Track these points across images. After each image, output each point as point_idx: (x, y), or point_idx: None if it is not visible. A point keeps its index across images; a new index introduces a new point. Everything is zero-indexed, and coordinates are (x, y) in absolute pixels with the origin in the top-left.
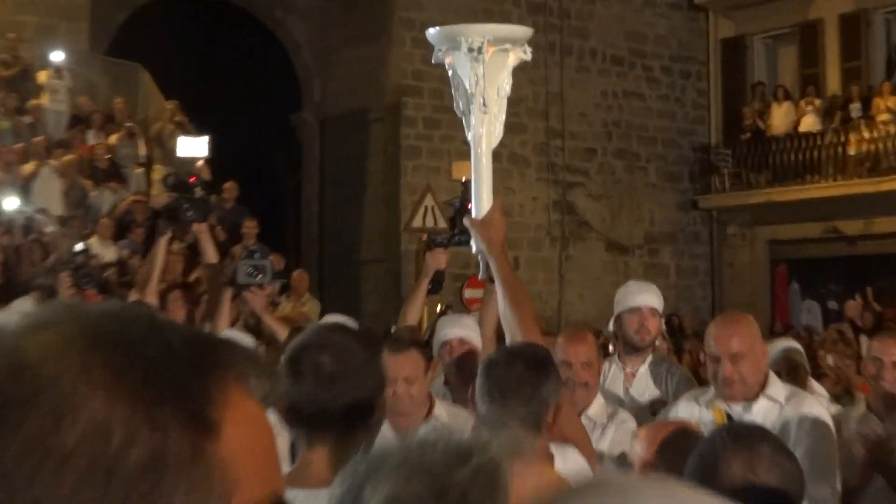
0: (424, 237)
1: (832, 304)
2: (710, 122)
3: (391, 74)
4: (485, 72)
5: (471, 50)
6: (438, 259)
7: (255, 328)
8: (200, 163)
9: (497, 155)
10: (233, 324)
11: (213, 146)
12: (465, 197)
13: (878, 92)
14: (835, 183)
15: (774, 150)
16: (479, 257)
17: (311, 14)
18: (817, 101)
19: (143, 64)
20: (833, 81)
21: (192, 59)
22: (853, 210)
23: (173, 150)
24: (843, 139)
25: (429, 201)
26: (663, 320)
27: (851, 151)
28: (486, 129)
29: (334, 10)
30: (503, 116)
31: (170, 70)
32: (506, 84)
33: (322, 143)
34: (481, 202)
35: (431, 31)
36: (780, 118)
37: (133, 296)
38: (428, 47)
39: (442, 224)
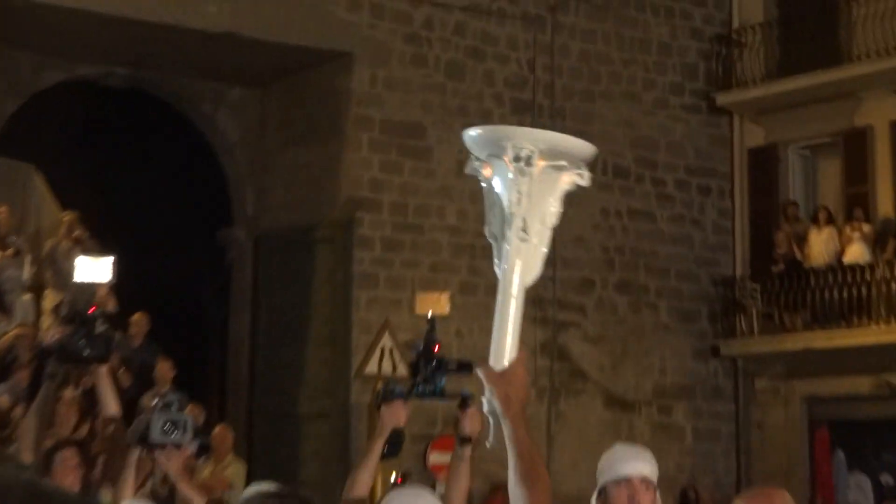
0: (379, 386)
1: (886, 479)
2: (735, 250)
3: (343, 184)
4: (531, 189)
5: (517, 159)
6: (396, 414)
7: (167, 498)
8: (103, 289)
9: (470, 286)
10: (138, 489)
11: (120, 268)
12: (431, 337)
13: None
14: (888, 327)
15: (814, 286)
16: (491, 419)
17: (245, 108)
18: (865, 227)
19: (37, 165)
20: (885, 202)
21: (97, 160)
22: None
23: (70, 273)
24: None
25: (386, 342)
26: (678, 494)
27: None
28: (522, 262)
29: (274, 104)
30: (545, 249)
31: (69, 173)
32: (553, 211)
33: (256, 266)
34: (502, 351)
35: (471, 133)
36: (820, 246)
37: (12, 455)
38: (388, 151)
39: (402, 371)
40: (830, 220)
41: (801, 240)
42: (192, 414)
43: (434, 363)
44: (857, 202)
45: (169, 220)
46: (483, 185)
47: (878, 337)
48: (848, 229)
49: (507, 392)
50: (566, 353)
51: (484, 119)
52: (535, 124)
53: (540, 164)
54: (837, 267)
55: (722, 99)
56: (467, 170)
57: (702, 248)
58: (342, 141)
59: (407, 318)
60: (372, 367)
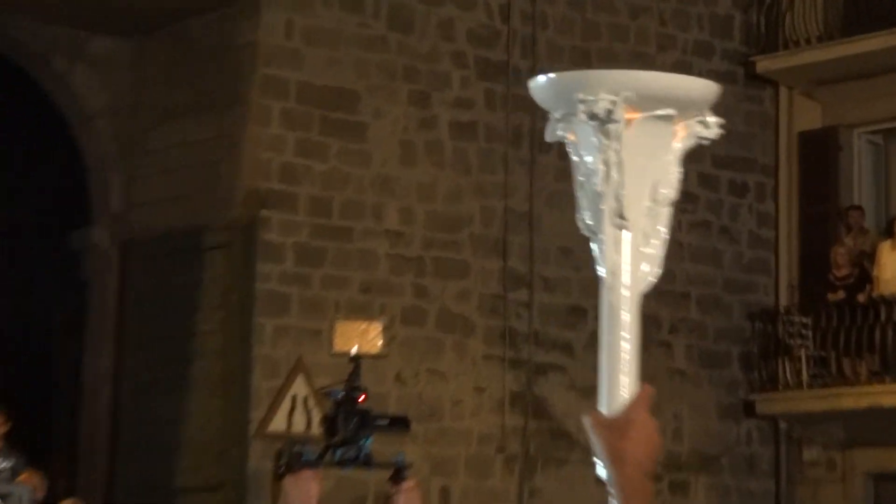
0: (284, 451)
1: None
2: (779, 271)
3: (244, 171)
4: (623, 156)
5: (593, 116)
6: (304, 489)
7: None
8: None
9: (415, 313)
10: None
11: None
12: (355, 384)
13: None
14: None
15: (885, 322)
16: (608, 486)
17: (111, 66)
18: None
19: None
20: None
21: None
22: None
23: None
24: None
25: (299, 389)
26: None
27: None
28: (626, 260)
29: (151, 60)
30: (663, 236)
31: None
32: (670, 179)
33: (122, 282)
34: (615, 389)
35: (540, 82)
36: (892, 267)
37: None
38: (308, 128)
39: (316, 428)
40: None
41: (869, 258)
42: (30, 484)
43: (358, 419)
44: None
45: (3, 218)
46: (574, 157)
47: None
48: None
49: (622, 448)
50: (545, 408)
51: (439, 83)
52: (507, 95)
53: (632, 117)
54: None
55: (765, 65)
56: (548, 136)
57: (734, 267)
58: (244, 113)
59: (328, 356)
60: (279, 424)
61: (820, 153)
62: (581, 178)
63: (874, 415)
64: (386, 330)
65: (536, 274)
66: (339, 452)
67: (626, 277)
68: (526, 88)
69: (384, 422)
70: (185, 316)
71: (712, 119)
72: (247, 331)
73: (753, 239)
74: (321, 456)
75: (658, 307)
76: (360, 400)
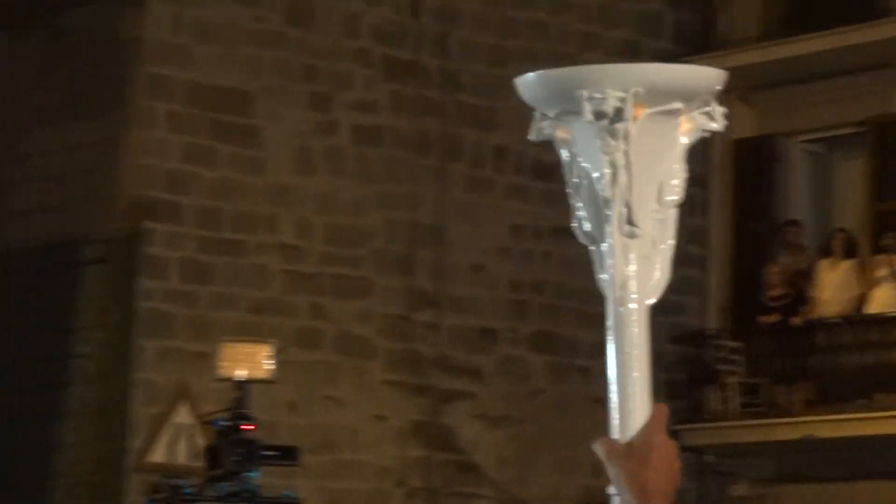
0: (162, 485)
1: None
2: (708, 292)
3: (125, 179)
4: (630, 157)
5: (600, 115)
6: None
7: None
8: None
9: (312, 335)
10: None
11: None
12: (240, 412)
13: None
14: None
15: (823, 347)
16: None
17: None
18: None
19: None
20: None
21: None
22: None
23: None
24: None
25: (184, 418)
26: None
27: None
28: (637, 268)
29: (23, 56)
30: (671, 241)
31: None
32: (675, 180)
33: None
34: (627, 412)
35: (531, 80)
36: (832, 288)
37: None
38: (196, 132)
39: (198, 460)
40: (851, 251)
41: (807, 278)
42: None
43: (243, 450)
44: (890, 224)
45: None
46: (564, 156)
47: None
48: (875, 264)
49: (640, 475)
50: (452, 439)
51: (342, 82)
52: (416, 97)
53: (639, 113)
54: (858, 320)
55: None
56: (532, 135)
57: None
58: (127, 115)
59: (214, 381)
60: (160, 455)
61: (755, 163)
62: (576, 181)
63: (809, 449)
64: (277, 353)
65: (444, 293)
66: (224, 486)
67: (634, 288)
68: (436, 90)
69: (272, 453)
70: (59, 336)
71: (718, 109)
72: (127, 353)
73: (681, 256)
74: (201, 490)
75: (577, 330)
76: (246, 429)
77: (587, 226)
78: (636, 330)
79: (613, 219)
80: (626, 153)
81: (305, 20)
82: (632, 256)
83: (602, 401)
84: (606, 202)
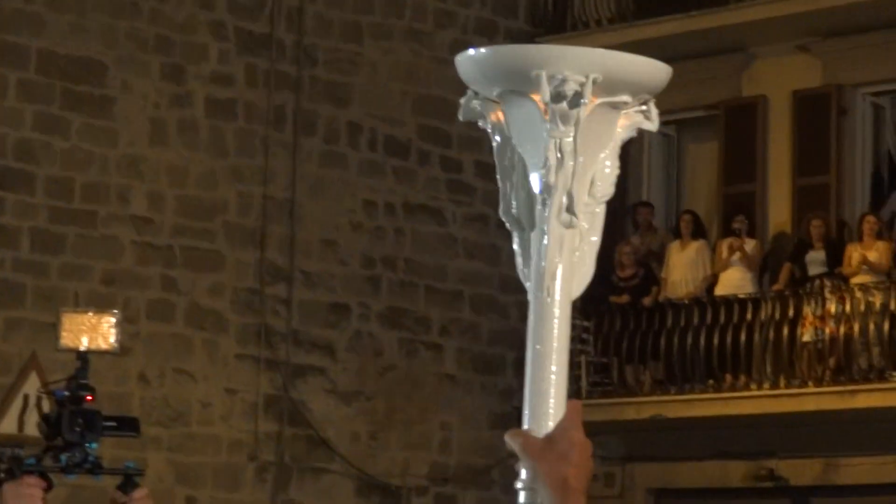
0: (3, 455)
1: None
2: None
3: None
4: (577, 146)
5: (559, 97)
6: (27, 497)
7: None
8: None
9: (164, 307)
10: None
11: None
12: (80, 383)
13: (857, 232)
14: (774, 391)
15: (671, 328)
16: None
17: None
18: (749, 243)
19: None
20: (779, 207)
21: None
22: (805, 441)
23: None
24: (791, 314)
25: (32, 387)
26: None
27: (806, 337)
28: (566, 260)
29: None
30: (596, 238)
31: None
32: (609, 174)
33: None
34: (543, 404)
35: (473, 56)
36: (682, 269)
37: None
38: (47, 101)
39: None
40: (700, 232)
41: (657, 259)
42: None
43: (83, 420)
44: (739, 207)
45: None
46: (495, 139)
47: (758, 406)
48: (724, 246)
49: (562, 472)
50: (302, 414)
51: (193, 61)
52: (269, 71)
53: (593, 100)
54: (706, 301)
55: None
56: (463, 114)
57: (511, 264)
58: None
59: (62, 352)
60: (8, 426)
61: None
62: (506, 165)
63: (657, 428)
64: (124, 323)
65: (297, 268)
66: (64, 457)
67: (560, 279)
68: (290, 64)
69: (112, 424)
70: None
71: (654, 109)
72: None
73: None
74: (39, 460)
75: (428, 307)
76: (87, 400)
77: (516, 210)
78: (558, 322)
79: (553, 207)
80: (575, 140)
81: None
82: (562, 247)
83: (453, 378)
84: (548, 189)
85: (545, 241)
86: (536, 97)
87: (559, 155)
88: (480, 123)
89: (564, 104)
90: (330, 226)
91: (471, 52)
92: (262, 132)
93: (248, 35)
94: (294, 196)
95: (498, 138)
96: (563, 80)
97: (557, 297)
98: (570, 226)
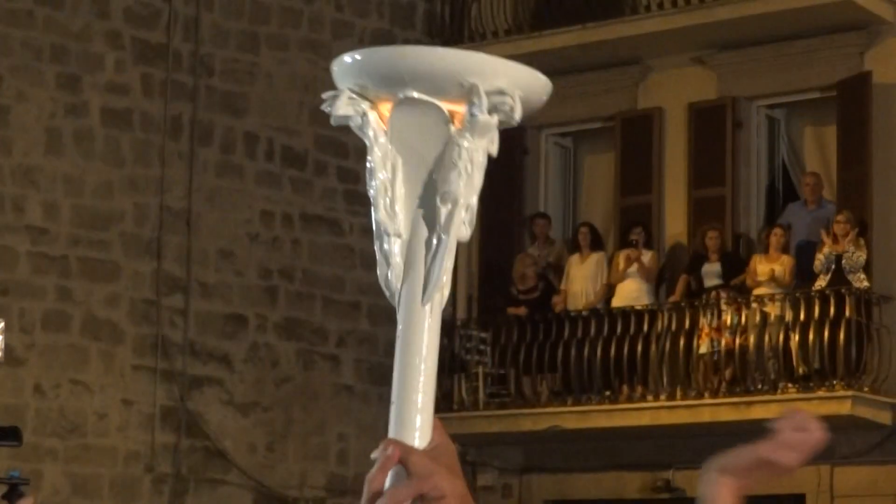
0: None
1: None
2: (457, 282)
3: None
4: (481, 160)
5: (494, 110)
6: None
7: None
8: None
9: (59, 317)
10: None
11: None
12: None
13: (756, 243)
14: (671, 403)
15: (568, 338)
16: None
17: None
18: (646, 254)
19: None
20: (675, 220)
21: None
22: (701, 452)
23: None
24: (687, 326)
25: None
26: None
27: (702, 349)
28: (447, 270)
29: None
30: (464, 233)
31: None
32: (477, 187)
33: None
34: (409, 416)
35: (345, 62)
36: (581, 281)
37: None
38: None
39: None
40: (597, 243)
41: (554, 270)
42: None
43: None
44: (636, 218)
45: None
46: (377, 141)
47: (655, 417)
48: (621, 257)
49: (458, 486)
50: (199, 425)
51: (89, 71)
52: (166, 81)
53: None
54: (604, 312)
55: None
56: (336, 116)
57: None
58: None
59: None
60: None
61: (504, 156)
62: (384, 175)
63: (554, 439)
64: (20, 333)
65: (193, 278)
66: None
67: (437, 286)
68: (187, 74)
69: None
70: None
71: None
72: None
73: None
74: None
75: (325, 318)
76: None
77: (395, 221)
78: (428, 335)
79: (455, 217)
80: (485, 152)
81: (55, 0)
82: (449, 258)
83: (350, 389)
84: (454, 199)
85: (435, 251)
86: (450, 105)
87: (467, 166)
88: (352, 124)
89: (492, 117)
90: (227, 236)
91: (345, 58)
92: (158, 142)
93: (144, 44)
94: (191, 206)
95: (381, 140)
96: (500, 93)
97: (434, 299)
98: (465, 238)
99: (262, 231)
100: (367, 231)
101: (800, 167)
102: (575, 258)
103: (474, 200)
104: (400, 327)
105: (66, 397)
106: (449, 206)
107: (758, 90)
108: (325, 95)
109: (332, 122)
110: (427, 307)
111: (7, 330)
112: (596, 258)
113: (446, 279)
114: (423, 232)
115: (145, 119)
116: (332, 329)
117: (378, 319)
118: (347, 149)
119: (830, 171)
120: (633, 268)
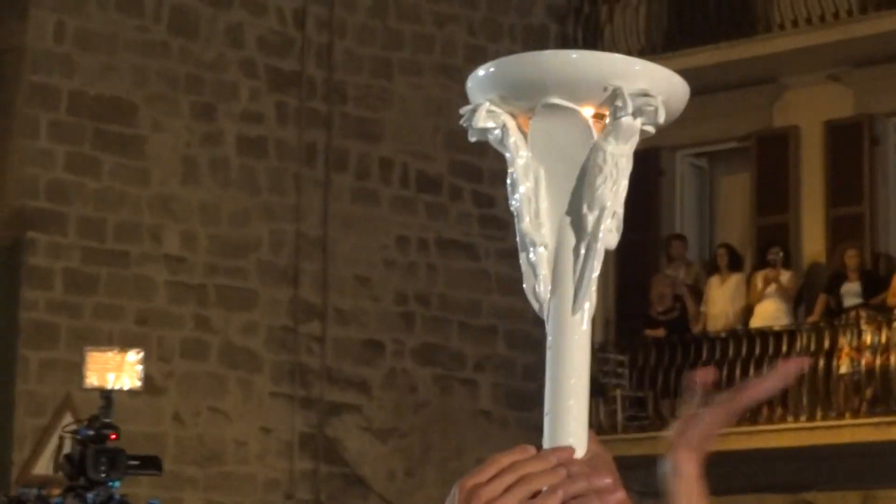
0: (27, 496)
1: None
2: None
3: (8, 187)
4: (619, 158)
5: (639, 113)
6: None
7: None
8: None
9: (197, 346)
10: None
11: None
12: (104, 421)
13: None
14: (811, 424)
15: (707, 360)
16: None
17: None
18: (784, 275)
19: None
20: (813, 238)
21: None
22: (842, 473)
23: None
24: (826, 346)
25: (68, 426)
26: None
27: (842, 369)
28: (595, 281)
29: None
30: (611, 240)
31: None
32: (623, 195)
33: None
34: (561, 426)
35: (480, 74)
36: (721, 302)
37: None
38: (79, 141)
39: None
40: (736, 264)
41: (694, 292)
42: None
43: (106, 459)
44: (773, 238)
45: None
46: (519, 153)
47: (796, 438)
48: (759, 278)
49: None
50: (338, 452)
51: (224, 100)
52: (299, 109)
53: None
54: (742, 333)
55: None
56: (475, 129)
57: None
58: (9, 124)
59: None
60: (44, 467)
61: (640, 177)
62: (528, 185)
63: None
64: (159, 363)
65: (330, 305)
66: (91, 496)
67: (591, 297)
68: (321, 101)
69: (135, 462)
70: None
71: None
72: (9, 364)
73: None
74: (65, 499)
75: (463, 343)
76: (111, 438)
77: (530, 238)
78: (577, 351)
79: (603, 225)
80: (630, 157)
81: (189, 30)
82: (597, 269)
83: (488, 414)
84: (594, 204)
85: (584, 259)
86: (592, 109)
87: (614, 172)
88: (491, 137)
89: (635, 121)
90: (362, 262)
91: (485, 70)
92: (293, 169)
93: (277, 72)
94: (326, 233)
95: (522, 151)
96: (644, 95)
97: (588, 316)
98: (612, 246)
99: (398, 257)
100: (502, 255)
101: None
102: (715, 280)
103: (621, 207)
104: (550, 338)
105: (204, 425)
106: (596, 212)
107: (895, 106)
108: (462, 110)
109: (470, 136)
110: (577, 316)
111: (146, 359)
112: (735, 279)
113: (594, 288)
114: (571, 241)
115: (280, 147)
116: (468, 354)
117: (515, 343)
118: (482, 173)
119: None
120: (772, 288)
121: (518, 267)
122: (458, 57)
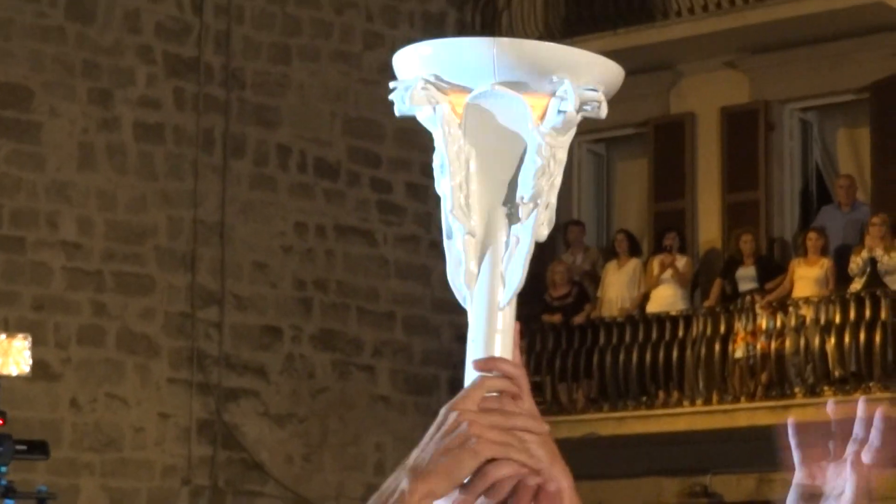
0: None
1: None
2: None
3: None
4: (563, 157)
5: (584, 106)
6: None
7: None
8: None
9: (94, 332)
10: None
11: None
12: None
13: (800, 248)
14: (707, 408)
15: (603, 345)
16: None
17: None
18: (680, 260)
19: None
20: (709, 224)
21: None
22: (738, 456)
23: None
24: (722, 330)
25: None
26: None
27: (738, 353)
28: (514, 272)
29: None
30: (543, 233)
31: None
32: (559, 175)
33: None
34: None
35: (420, 50)
36: (617, 287)
37: None
38: None
39: None
40: (634, 248)
41: (591, 278)
42: None
43: None
44: (670, 224)
45: None
46: (447, 133)
47: (691, 422)
48: (656, 263)
49: (564, 479)
50: (236, 437)
51: (121, 85)
52: (198, 95)
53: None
54: (639, 318)
55: None
56: (404, 106)
57: (443, 285)
58: None
59: None
60: None
61: None
62: (458, 170)
63: (591, 445)
64: (50, 347)
65: (228, 291)
66: None
67: (513, 286)
68: (219, 87)
69: (22, 447)
70: None
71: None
72: None
73: None
74: None
75: (360, 329)
76: None
77: (468, 219)
78: (506, 339)
79: (538, 215)
80: (567, 150)
81: (86, 16)
82: (528, 258)
83: (387, 399)
84: (528, 196)
85: (513, 251)
86: (534, 98)
87: (553, 164)
88: (418, 114)
89: (577, 114)
90: (261, 248)
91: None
92: (191, 155)
93: (175, 58)
94: (224, 219)
95: (454, 134)
96: (590, 90)
97: (513, 310)
98: (543, 239)
99: (296, 243)
100: (400, 241)
101: (833, 170)
102: (612, 265)
103: (554, 199)
104: (474, 330)
105: (102, 411)
106: (531, 204)
107: (790, 93)
108: (392, 84)
109: (397, 112)
110: (506, 309)
111: (42, 345)
112: (633, 265)
113: (523, 280)
114: (501, 231)
115: (178, 133)
116: (367, 339)
117: (413, 329)
118: (380, 159)
119: (864, 174)
120: (668, 273)
121: (416, 253)
122: (356, 43)
